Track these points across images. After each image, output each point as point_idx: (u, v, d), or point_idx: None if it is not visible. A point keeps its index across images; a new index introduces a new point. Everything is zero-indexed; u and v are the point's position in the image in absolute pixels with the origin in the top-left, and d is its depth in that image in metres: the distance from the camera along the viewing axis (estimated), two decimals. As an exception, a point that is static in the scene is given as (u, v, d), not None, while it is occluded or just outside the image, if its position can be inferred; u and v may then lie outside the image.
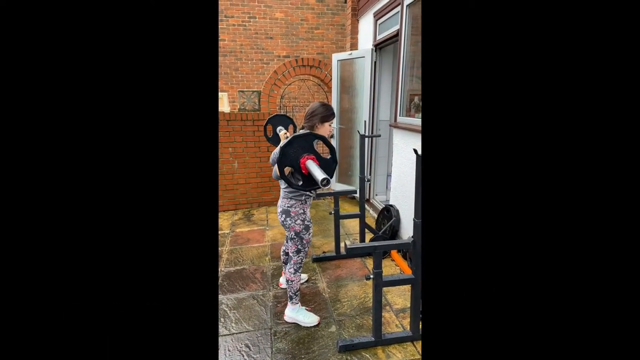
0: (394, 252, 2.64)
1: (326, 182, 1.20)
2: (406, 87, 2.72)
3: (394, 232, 2.75)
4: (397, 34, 2.73)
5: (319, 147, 1.74)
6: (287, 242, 2.14)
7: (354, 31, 3.71)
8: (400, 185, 2.80)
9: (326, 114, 1.76)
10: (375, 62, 3.27)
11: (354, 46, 3.77)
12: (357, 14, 3.66)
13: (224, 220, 3.53)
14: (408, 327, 1.84)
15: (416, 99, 2.75)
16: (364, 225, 2.64)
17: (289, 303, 1.93)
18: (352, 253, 1.63)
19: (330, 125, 1.82)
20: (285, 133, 2.04)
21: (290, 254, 1.87)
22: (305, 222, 1.82)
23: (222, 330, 1.87)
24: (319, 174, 1.22)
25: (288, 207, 1.79)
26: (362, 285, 2.30)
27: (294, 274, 1.86)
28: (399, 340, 1.74)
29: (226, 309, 2.05)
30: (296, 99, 5.53)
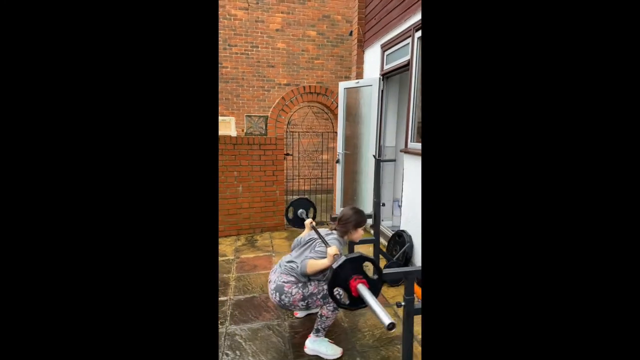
0: (408, 279, 2.58)
1: (392, 326, 1.13)
2: (417, 115, 2.78)
3: (407, 258, 2.71)
4: (407, 64, 2.83)
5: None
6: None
7: (360, 61, 3.85)
8: (411, 210, 2.79)
9: (360, 220, 1.89)
10: (382, 91, 3.36)
11: (359, 75, 3.90)
12: (362, 45, 3.81)
13: (227, 246, 3.42)
14: None
15: (426, 126, 2.81)
16: (378, 251, 2.59)
17: (312, 335, 1.83)
18: (385, 279, 1.60)
19: (362, 230, 1.93)
20: (312, 222, 2.10)
21: (323, 305, 1.79)
22: (299, 284, 1.78)
23: (239, 364, 1.74)
24: (383, 317, 1.15)
25: (284, 282, 1.78)
26: (381, 314, 2.22)
27: (332, 311, 1.78)
28: (430, 373, 1.66)
29: (241, 341, 1.93)
30: (299, 125, 5.60)
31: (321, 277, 1.81)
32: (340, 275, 1.37)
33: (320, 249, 1.78)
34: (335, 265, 1.36)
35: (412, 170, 2.78)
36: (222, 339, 1.94)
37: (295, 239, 2.03)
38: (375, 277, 1.41)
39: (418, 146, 2.72)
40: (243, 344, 1.91)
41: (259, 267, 2.93)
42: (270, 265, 2.96)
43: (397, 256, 2.66)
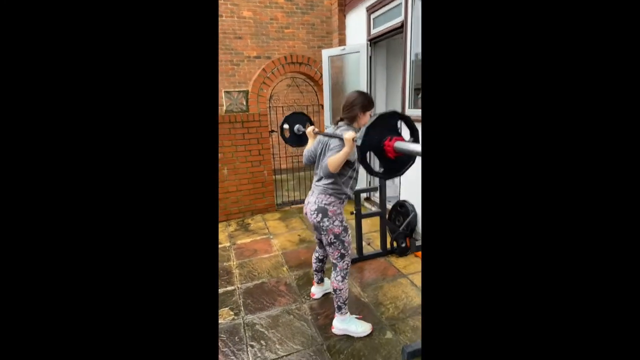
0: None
1: None
2: (413, 81, 2.69)
3: (412, 228, 2.70)
4: (400, 26, 2.69)
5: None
6: (319, 248, 1.97)
7: (342, 26, 3.63)
8: (411, 178, 2.75)
9: (366, 102, 1.63)
10: (370, 57, 3.21)
11: (342, 42, 3.69)
12: (344, 9, 3.58)
13: (220, 233, 3.22)
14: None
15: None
16: (385, 223, 2.55)
17: (337, 314, 1.76)
18: (415, 250, 1.51)
19: (370, 114, 1.69)
20: (314, 129, 1.87)
21: (334, 261, 1.70)
22: (344, 223, 1.67)
23: (268, 354, 1.65)
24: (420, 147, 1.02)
25: (326, 204, 1.62)
26: (397, 285, 2.20)
27: (342, 281, 1.70)
28: (464, 337, 1.67)
29: (262, 330, 1.82)
30: (282, 99, 5.31)
31: (351, 172, 1.63)
32: (373, 136, 1.12)
33: (335, 144, 1.56)
34: (366, 126, 1.12)
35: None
36: (242, 330, 1.82)
37: (304, 152, 1.80)
38: (411, 139, 1.17)
39: (417, 112, 2.65)
40: (266, 332, 1.80)
41: (260, 251, 2.80)
42: (271, 249, 2.83)
43: (402, 226, 2.63)
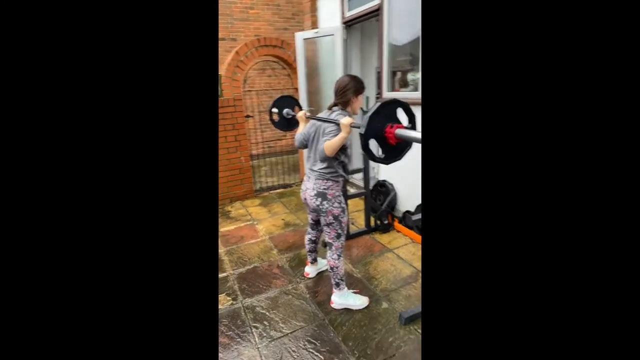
0: (397, 224, 2.73)
1: None
2: (390, 64, 2.77)
3: (392, 206, 2.84)
4: (377, 9, 2.74)
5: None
6: (312, 230, 2.03)
7: (313, 8, 3.59)
8: (391, 160, 2.88)
9: (359, 86, 1.68)
10: (345, 40, 3.24)
11: (314, 25, 3.66)
12: (316, -10, 3.54)
13: (200, 222, 3.16)
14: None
15: (399, 74, 2.83)
16: (369, 202, 2.66)
17: (335, 290, 1.85)
18: (414, 223, 1.58)
19: (362, 97, 1.75)
20: (305, 113, 1.88)
21: (330, 240, 1.78)
22: (342, 204, 1.74)
23: (273, 333, 1.70)
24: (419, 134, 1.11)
25: (324, 189, 1.68)
26: (384, 259, 2.34)
27: (338, 259, 1.78)
28: (452, 300, 1.84)
29: (263, 311, 1.87)
30: (257, 83, 5.16)
31: (342, 157, 1.69)
32: (376, 123, 1.19)
33: (330, 129, 1.60)
34: (369, 113, 1.19)
35: (389, 121, 2.83)
36: (243, 314, 1.85)
37: (296, 137, 1.83)
38: (410, 125, 1.26)
39: (394, 95, 2.75)
40: (267, 313, 1.85)
41: (246, 237, 2.80)
42: (257, 234, 2.84)
43: (384, 204, 2.77)
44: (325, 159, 1.62)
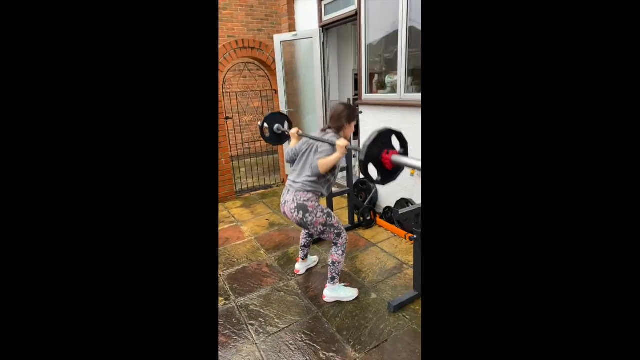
0: (379, 220, 2.86)
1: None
2: (368, 67, 2.90)
3: (374, 202, 2.97)
4: (354, 15, 2.85)
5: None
6: (306, 233, 2.12)
7: (291, 12, 3.65)
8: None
9: (352, 113, 1.86)
10: (323, 43, 3.33)
11: (292, 27, 3.72)
12: (292, -6, 3.61)
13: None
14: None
15: (376, 77, 2.97)
16: (353, 200, 2.77)
17: (328, 284, 1.93)
18: (401, 217, 1.74)
19: (354, 124, 1.91)
20: (298, 130, 2.00)
21: (334, 241, 1.86)
22: (324, 210, 1.82)
23: (270, 329, 1.75)
24: (417, 163, 1.26)
25: (305, 200, 1.78)
26: (369, 253, 2.45)
27: (342, 255, 1.88)
28: (435, 287, 1.98)
29: (258, 309, 1.91)
30: (235, 84, 5.11)
31: (330, 176, 1.82)
32: (374, 150, 1.35)
33: (324, 149, 1.76)
34: (368, 143, 1.33)
35: (369, 120, 2.95)
36: (237, 312, 1.89)
37: (287, 151, 1.96)
38: (402, 150, 1.43)
39: (372, 97, 2.88)
40: (261, 310, 1.90)
41: (232, 238, 2.81)
42: (243, 235, 2.86)
43: (366, 201, 2.89)
44: (317, 174, 1.73)
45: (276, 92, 3.78)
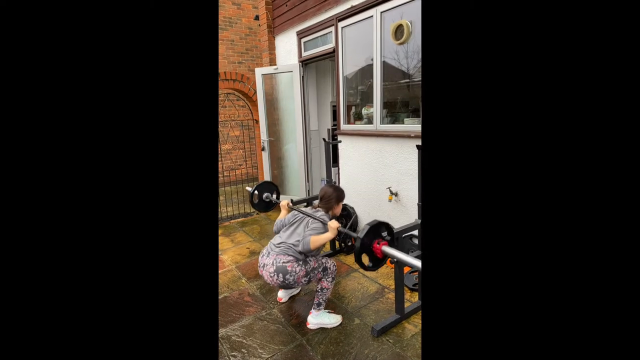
0: (360, 245, 2.92)
1: None
2: (346, 99, 3.07)
3: (354, 228, 3.04)
4: (332, 51, 3.05)
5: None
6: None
7: (272, 47, 3.84)
8: (349, 184, 3.11)
9: (339, 195, 2.07)
10: (303, 77, 3.51)
11: (272, 62, 3.90)
12: (273, 31, 3.81)
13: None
14: (417, 299, 2.14)
15: (353, 109, 3.14)
16: (333, 226, 2.82)
17: (313, 311, 1.94)
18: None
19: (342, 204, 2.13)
20: (288, 203, 2.16)
21: (324, 274, 1.92)
22: (300, 264, 1.85)
23: (253, 359, 1.72)
24: (416, 262, 1.41)
25: (284, 262, 1.83)
26: (351, 279, 2.48)
27: (331, 282, 1.94)
28: (417, 311, 2.02)
29: (240, 339, 1.87)
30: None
31: (316, 253, 1.93)
32: (366, 242, 1.56)
33: (315, 226, 1.89)
34: (361, 236, 1.52)
35: (348, 149, 3.08)
36: (220, 344, 1.84)
37: (277, 222, 2.08)
38: (389, 237, 1.64)
39: (350, 127, 3.03)
40: (244, 341, 1.86)
41: (212, 268, 2.75)
42: (223, 264, 2.82)
43: (347, 226, 2.94)
44: (307, 250, 1.82)
45: (257, 121, 3.88)
